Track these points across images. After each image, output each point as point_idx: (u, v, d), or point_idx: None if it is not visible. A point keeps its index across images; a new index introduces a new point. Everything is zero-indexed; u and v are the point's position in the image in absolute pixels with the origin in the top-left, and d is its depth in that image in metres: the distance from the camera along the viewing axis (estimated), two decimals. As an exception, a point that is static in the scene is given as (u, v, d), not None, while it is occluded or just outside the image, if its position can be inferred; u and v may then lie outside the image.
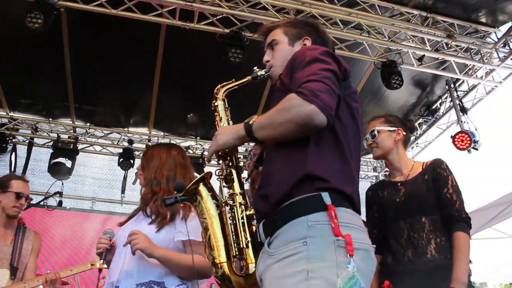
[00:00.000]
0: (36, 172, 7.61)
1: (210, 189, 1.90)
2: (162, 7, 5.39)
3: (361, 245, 1.47)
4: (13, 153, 7.51)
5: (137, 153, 7.90)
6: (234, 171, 1.86)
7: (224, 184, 1.87)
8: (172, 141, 8.14)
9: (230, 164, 1.87)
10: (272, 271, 1.48)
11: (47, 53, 6.25)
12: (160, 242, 2.31)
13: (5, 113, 7.46)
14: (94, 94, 7.18)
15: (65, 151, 7.48)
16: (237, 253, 1.72)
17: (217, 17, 5.55)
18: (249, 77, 2.02)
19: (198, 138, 8.21)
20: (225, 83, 2.05)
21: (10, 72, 6.54)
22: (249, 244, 1.71)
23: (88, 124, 7.83)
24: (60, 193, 6.15)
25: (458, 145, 6.69)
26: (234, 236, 1.74)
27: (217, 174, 1.89)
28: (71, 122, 7.73)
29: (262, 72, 2.01)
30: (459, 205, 2.56)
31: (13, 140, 7.59)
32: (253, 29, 5.66)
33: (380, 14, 6.10)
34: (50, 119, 7.64)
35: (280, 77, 1.84)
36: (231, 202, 1.79)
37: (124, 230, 2.46)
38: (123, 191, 7.79)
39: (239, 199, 1.79)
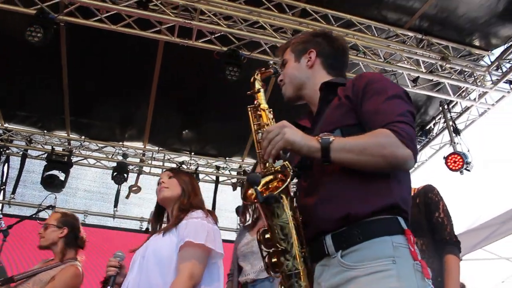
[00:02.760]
0: (28, 183, 7.57)
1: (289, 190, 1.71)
2: (161, 24, 5.45)
3: None
4: (6, 164, 7.48)
5: (131, 167, 7.89)
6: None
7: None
8: (167, 156, 8.15)
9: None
10: (360, 283, 1.49)
11: (45, 66, 6.27)
12: (166, 255, 2.38)
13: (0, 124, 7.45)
14: (90, 108, 7.20)
15: (59, 163, 7.45)
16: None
17: (215, 35, 5.61)
18: (270, 70, 2.07)
19: (193, 153, 8.22)
20: (261, 70, 2.05)
21: (8, 84, 6.55)
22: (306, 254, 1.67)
23: (83, 137, 7.83)
24: (53, 207, 6.09)
25: (451, 166, 6.75)
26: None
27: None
28: (66, 135, 7.73)
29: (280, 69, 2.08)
30: (449, 229, 2.64)
31: (7, 151, 7.56)
32: (251, 47, 5.73)
33: (376, 35, 6.19)
34: (45, 131, 7.63)
35: (344, 92, 1.79)
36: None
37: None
38: (115, 205, 7.75)
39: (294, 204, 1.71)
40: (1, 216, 3.52)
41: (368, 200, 1.58)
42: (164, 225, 2.70)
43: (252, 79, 2.00)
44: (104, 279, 2.47)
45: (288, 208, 1.66)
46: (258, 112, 1.91)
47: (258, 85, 1.98)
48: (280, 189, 1.64)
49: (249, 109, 1.95)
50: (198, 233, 2.35)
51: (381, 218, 1.56)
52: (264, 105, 1.92)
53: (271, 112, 1.91)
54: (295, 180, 1.77)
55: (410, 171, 1.76)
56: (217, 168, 8.40)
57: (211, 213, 2.60)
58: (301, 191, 1.80)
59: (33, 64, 6.16)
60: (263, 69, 2.07)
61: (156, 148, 8.11)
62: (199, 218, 2.44)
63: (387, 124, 1.58)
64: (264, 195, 1.60)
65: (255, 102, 1.95)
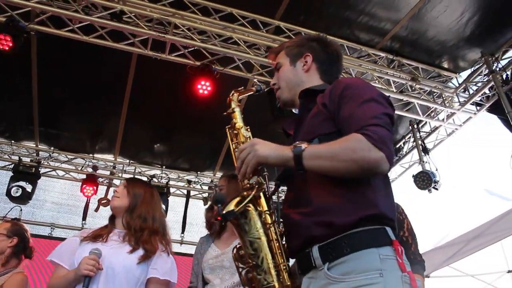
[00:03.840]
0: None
1: (259, 205, 1.75)
2: (135, 37, 5.42)
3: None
4: None
5: (101, 179, 7.78)
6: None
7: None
8: (138, 169, 8.06)
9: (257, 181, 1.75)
10: None
11: (15, 75, 6.16)
12: (137, 275, 2.47)
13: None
14: (60, 118, 7.09)
15: (26, 174, 7.28)
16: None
17: (189, 50, 5.60)
18: (253, 88, 2.09)
19: (164, 167, 8.16)
20: (237, 90, 2.07)
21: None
22: (287, 267, 1.68)
23: (52, 148, 7.69)
24: (18, 219, 5.96)
25: (419, 185, 6.87)
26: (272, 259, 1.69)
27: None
28: (34, 145, 7.57)
29: (263, 86, 2.09)
30: (414, 248, 2.64)
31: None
32: (224, 63, 5.74)
33: (349, 54, 6.29)
34: (13, 141, 7.47)
35: (322, 99, 1.81)
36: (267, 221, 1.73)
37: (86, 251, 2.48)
38: (84, 218, 7.60)
39: (269, 219, 1.73)
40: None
41: (350, 209, 1.58)
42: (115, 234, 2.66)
43: (228, 100, 2.02)
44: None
45: (258, 222, 1.69)
46: (235, 132, 1.95)
47: (233, 104, 2.01)
48: (242, 204, 1.65)
49: (227, 129, 1.99)
50: (173, 273, 2.62)
51: (369, 229, 1.55)
52: (239, 123, 1.96)
53: (248, 130, 1.95)
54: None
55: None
56: (189, 182, 8.35)
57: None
58: (286, 203, 1.81)
59: (1, 72, 6.03)
60: (241, 88, 2.08)
61: (127, 161, 8.02)
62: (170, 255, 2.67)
63: (361, 128, 1.58)
64: (224, 212, 1.61)
65: (232, 122, 1.98)
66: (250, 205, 1.70)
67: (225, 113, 2.01)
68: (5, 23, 5.01)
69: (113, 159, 7.92)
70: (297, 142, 1.65)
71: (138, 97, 6.53)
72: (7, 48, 4.94)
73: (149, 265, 2.53)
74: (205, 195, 8.43)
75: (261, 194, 1.74)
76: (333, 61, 2.06)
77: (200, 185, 8.48)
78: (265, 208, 1.74)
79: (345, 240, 1.54)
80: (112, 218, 2.77)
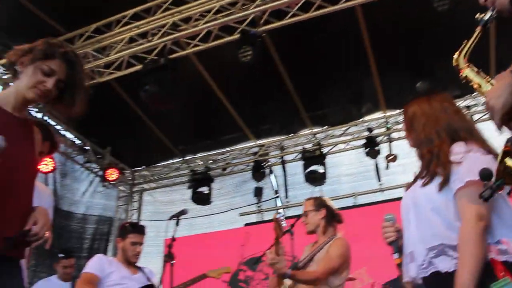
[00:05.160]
0: (295, 185, 8.26)
1: None
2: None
3: None
4: (271, 174, 8.53)
5: (379, 138, 7.80)
6: None
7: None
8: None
9: None
10: None
11: (267, 78, 6.73)
12: (438, 204, 2.00)
13: (254, 142, 8.35)
14: (321, 99, 7.43)
15: (314, 158, 7.88)
16: None
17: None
18: (478, 28, 1.77)
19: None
20: (459, 50, 1.83)
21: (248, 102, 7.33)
22: None
23: (326, 127, 8.12)
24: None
25: None
26: None
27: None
28: (309, 131, 8.13)
29: (488, 14, 1.71)
30: None
31: (268, 163, 8.43)
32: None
33: None
34: (292, 133, 8.22)
35: None
36: None
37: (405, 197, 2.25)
38: (379, 179, 7.74)
39: None
40: (283, 217, 3.88)
41: None
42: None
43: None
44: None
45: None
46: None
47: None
48: None
49: None
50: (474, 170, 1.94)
51: None
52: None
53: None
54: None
55: None
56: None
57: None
58: None
59: (256, 82, 6.66)
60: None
61: (397, 111, 7.80)
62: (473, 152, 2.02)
63: None
64: None
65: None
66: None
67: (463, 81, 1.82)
68: (240, 38, 5.54)
69: (383, 115, 7.82)
70: None
71: (379, 45, 6.28)
72: (250, 58, 5.39)
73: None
74: None
75: None
76: None
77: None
78: None
79: None
80: None
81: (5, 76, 6.28)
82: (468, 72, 1.76)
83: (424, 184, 2.05)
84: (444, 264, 1.89)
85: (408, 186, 2.22)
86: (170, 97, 5.88)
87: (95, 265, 3.81)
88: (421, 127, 2.16)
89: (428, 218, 2.00)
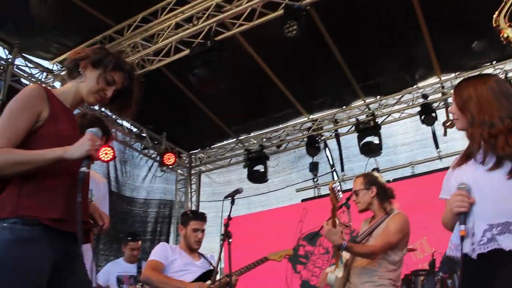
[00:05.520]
0: (351, 157, 8.18)
1: None
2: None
3: None
4: (326, 148, 8.44)
5: (435, 104, 7.55)
6: None
7: None
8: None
9: None
10: None
11: (315, 51, 6.64)
12: (505, 189, 1.92)
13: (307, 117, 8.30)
14: (370, 68, 7.25)
15: (368, 130, 7.73)
16: None
17: None
18: None
19: (495, 62, 7.21)
20: (498, 10, 1.75)
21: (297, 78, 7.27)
22: None
23: (378, 97, 7.93)
24: (377, 169, 6.40)
25: None
26: None
27: None
28: (362, 102, 7.98)
29: None
30: None
31: (322, 138, 8.39)
32: None
33: None
34: (344, 106, 8.12)
35: None
36: None
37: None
38: (437, 146, 7.52)
39: None
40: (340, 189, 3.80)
41: None
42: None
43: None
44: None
45: None
46: None
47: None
48: None
49: None
50: None
51: None
52: None
53: None
54: None
55: None
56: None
57: None
58: None
59: (302, 56, 6.59)
60: None
61: (452, 74, 7.49)
62: None
63: None
64: None
65: None
66: None
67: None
68: (284, 13, 5.48)
69: (438, 80, 7.53)
70: None
71: (430, 7, 6.00)
72: (296, 32, 5.33)
73: None
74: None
75: None
76: None
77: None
78: None
79: None
80: None
81: (63, 73, 6.53)
82: (510, 32, 1.67)
83: (491, 169, 1.97)
84: (507, 242, 1.84)
85: (458, 164, 2.14)
86: (219, 79, 5.93)
87: (159, 252, 3.97)
88: (477, 111, 2.07)
89: (493, 197, 1.94)
